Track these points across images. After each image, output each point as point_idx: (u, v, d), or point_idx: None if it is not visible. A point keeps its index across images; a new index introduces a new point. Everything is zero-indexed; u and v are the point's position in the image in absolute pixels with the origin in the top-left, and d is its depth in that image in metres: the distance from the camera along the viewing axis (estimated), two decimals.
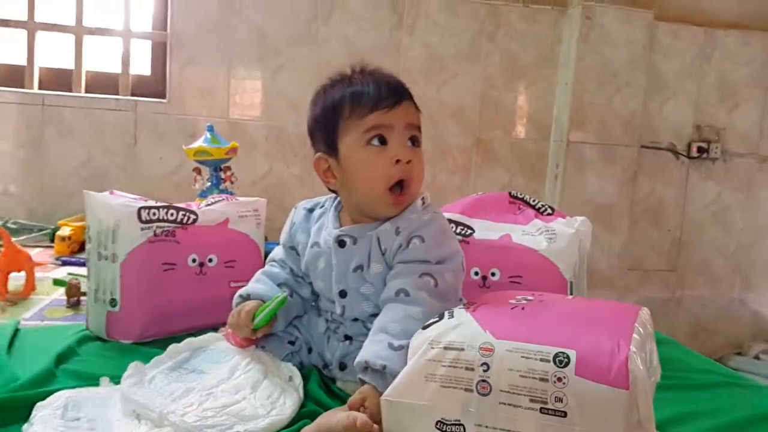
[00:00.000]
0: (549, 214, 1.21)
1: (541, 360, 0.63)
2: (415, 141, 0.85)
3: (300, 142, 2.02)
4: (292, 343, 0.90)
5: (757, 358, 2.31)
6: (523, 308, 0.75)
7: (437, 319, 0.72)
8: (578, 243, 1.14)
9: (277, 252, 0.97)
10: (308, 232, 0.92)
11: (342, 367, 0.85)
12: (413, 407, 0.67)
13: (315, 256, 0.89)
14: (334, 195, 0.93)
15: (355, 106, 0.83)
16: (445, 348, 0.67)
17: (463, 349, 0.67)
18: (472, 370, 0.65)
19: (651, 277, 2.33)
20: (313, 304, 0.94)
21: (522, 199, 1.24)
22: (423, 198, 0.87)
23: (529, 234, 1.15)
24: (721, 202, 2.35)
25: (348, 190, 0.87)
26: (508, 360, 0.64)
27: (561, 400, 0.62)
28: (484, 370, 0.65)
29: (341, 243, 0.86)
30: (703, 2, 2.23)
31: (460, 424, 0.65)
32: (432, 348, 0.68)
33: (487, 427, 0.64)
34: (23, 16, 1.93)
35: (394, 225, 0.84)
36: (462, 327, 0.69)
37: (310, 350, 0.90)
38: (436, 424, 0.66)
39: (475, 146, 2.17)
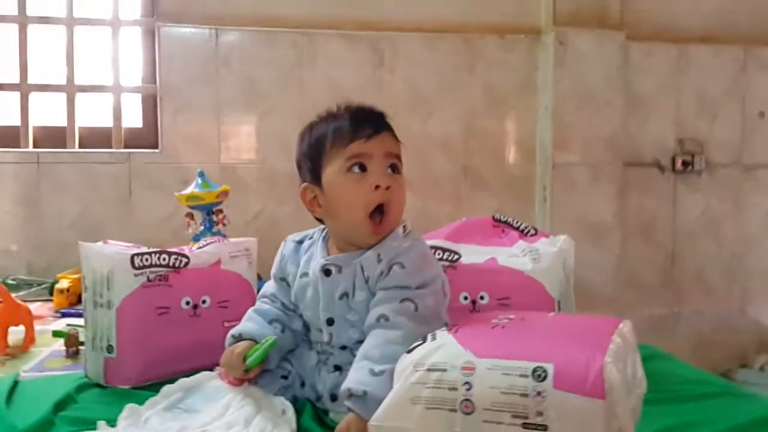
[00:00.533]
0: (533, 235, 1.23)
1: (521, 375, 0.65)
2: (395, 169, 0.89)
3: (290, 182, 2.06)
4: (285, 377, 0.92)
5: (762, 369, 2.29)
6: (503, 327, 0.77)
7: (421, 342, 0.75)
8: (562, 261, 1.16)
9: (268, 287, 1.00)
10: (298, 263, 0.95)
11: (333, 398, 0.87)
12: (400, 431, 0.69)
13: (304, 286, 0.93)
14: (322, 226, 0.97)
15: (337, 138, 0.89)
16: (429, 370, 0.69)
17: (445, 370, 0.69)
18: (456, 389, 0.67)
19: (648, 293, 2.34)
20: (305, 337, 0.96)
21: (506, 222, 1.27)
22: (404, 226, 0.91)
23: (515, 256, 1.18)
24: (710, 213, 2.37)
25: (332, 219, 0.91)
26: (489, 378, 0.66)
27: (542, 414, 0.63)
28: (467, 389, 0.67)
29: (327, 272, 0.90)
30: (672, 19, 2.30)
31: None
32: (416, 371, 0.70)
33: None
34: (16, 79, 2.00)
35: (376, 252, 0.87)
36: (444, 348, 0.71)
37: (303, 384, 0.92)
38: None
39: (463, 174, 2.21)
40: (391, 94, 2.12)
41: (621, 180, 2.23)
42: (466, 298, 1.15)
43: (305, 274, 0.93)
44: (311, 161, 0.91)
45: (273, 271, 0.99)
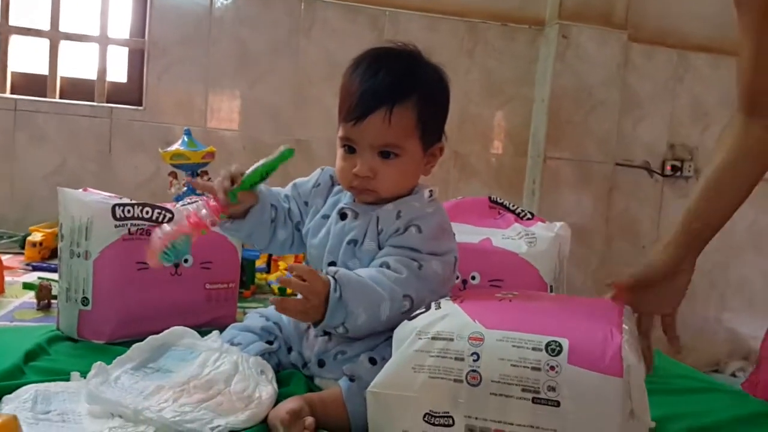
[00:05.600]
0: (529, 219, 1.21)
1: (533, 349, 0.62)
2: (386, 154, 0.82)
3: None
4: (270, 342, 0.87)
5: (733, 375, 2.34)
6: (510, 300, 0.74)
7: (424, 309, 0.71)
8: (558, 247, 1.14)
9: (286, 189, 0.93)
10: (324, 200, 0.90)
11: (320, 364, 0.83)
12: (401, 399, 0.65)
13: (320, 225, 0.88)
14: None
15: (340, 105, 0.83)
16: (433, 338, 0.66)
17: (452, 339, 0.65)
18: (462, 360, 0.64)
19: None
20: None
21: (502, 204, 1.25)
22: (431, 190, 0.87)
23: (510, 238, 1.15)
24: None
25: None
26: (498, 349, 0.63)
27: (554, 389, 0.60)
28: (474, 360, 0.63)
29: (342, 215, 0.85)
30: (676, 25, 2.30)
31: (449, 416, 0.63)
32: (419, 338, 0.66)
33: (476, 418, 0.62)
34: None
35: (397, 208, 0.83)
36: (450, 317, 0.68)
37: (290, 350, 0.88)
38: (425, 416, 0.64)
39: (452, 159, 2.18)
40: None
41: (609, 180, 2.23)
42: (457, 277, 1.12)
43: (326, 216, 0.88)
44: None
45: (299, 181, 0.93)
